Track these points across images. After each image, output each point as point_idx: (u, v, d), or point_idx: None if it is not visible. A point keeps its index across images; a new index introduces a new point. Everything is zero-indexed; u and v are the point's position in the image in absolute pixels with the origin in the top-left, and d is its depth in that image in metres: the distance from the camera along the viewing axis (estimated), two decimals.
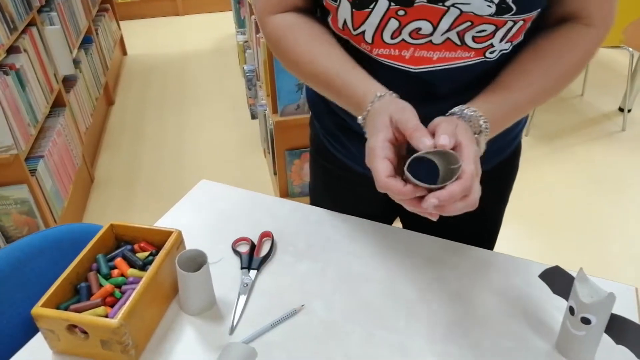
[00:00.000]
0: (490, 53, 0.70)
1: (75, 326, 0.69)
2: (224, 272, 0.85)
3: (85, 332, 0.68)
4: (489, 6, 0.63)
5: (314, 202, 1.04)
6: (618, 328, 0.66)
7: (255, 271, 0.85)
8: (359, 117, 0.69)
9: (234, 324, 0.76)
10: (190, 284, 0.75)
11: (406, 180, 0.60)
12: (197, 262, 0.77)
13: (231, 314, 0.78)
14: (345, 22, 0.72)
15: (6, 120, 1.67)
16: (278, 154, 2.07)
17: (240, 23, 3.30)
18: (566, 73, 0.73)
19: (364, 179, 0.86)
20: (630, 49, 2.70)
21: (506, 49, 0.71)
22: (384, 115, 0.64)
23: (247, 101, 2.90)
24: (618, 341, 0.67)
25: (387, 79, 0.73)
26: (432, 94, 0.75)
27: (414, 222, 1.02)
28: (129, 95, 3.50)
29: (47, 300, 0.69)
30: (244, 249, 0.89)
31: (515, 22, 0.67)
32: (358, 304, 0.79)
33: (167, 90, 3.54)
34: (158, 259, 0.75)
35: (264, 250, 0.89)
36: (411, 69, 0.72)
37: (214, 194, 1.04)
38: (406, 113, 0.63)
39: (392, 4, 0.66)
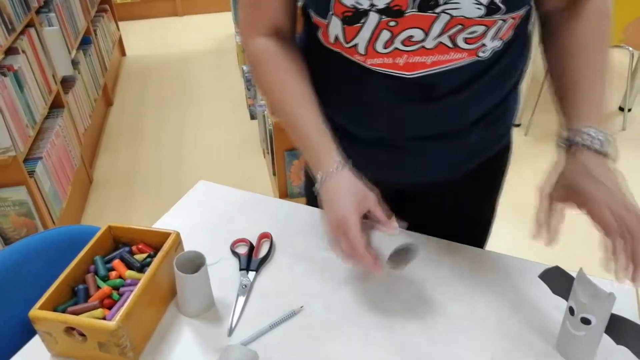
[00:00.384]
0: (483, 52, 0.72)
1: (72, 328, 0.68)
2: (223, 273, 0.85)
3: (82, 335, 0.68)
4: (478, 8, 0.64)
5: (310, 203, 1.04)
6: (618, 328, 0.65)
7: (254, 272, 0.85)
8: (318, 176, 0.74)
9: (233, 325, 0.76)
10: (188, 285, 0.75)
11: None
12: (196, 263, 0.77)
13: (230, 315, 0.77)
14: (337, 37, 0.72)
15: (4, 121, 1.67)
16: (277, 154, 2.07)
17: None
18: (597, 39, 0.74)
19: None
20: (631, 49, 2.69)
21: (497, 46, 0.72)
22: (350, 195, 0.71)
23: (247, 102, 2.89)
24: (618, 341, 0.66)
25: (383, 86, 0.75)
26: (430, 95, 0.76)
27: (411, 221, 1.03)
28: (127, 96, 3.49)
29: (44, 303, 0.69)
30: (242, 250, 0.89)
31: (505, 21, 0.67)
32: (357, 305, 0.79)
33: (166, 91, 3.54)
34: (156, 260, 0.75)
35: (263, 252, 0.89)
36: (406, 75, 0.73)
37: (212, 195, 1.03)
38: (371, 202, 0.72)
39: (383, 16, 0.66)
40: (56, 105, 2.27)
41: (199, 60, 3.99)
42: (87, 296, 0.74)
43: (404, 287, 0.82)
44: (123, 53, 4.14)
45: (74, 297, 0.74)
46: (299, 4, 0.79)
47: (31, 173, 1.83)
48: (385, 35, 0.69)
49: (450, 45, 0.69)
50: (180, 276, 0.73)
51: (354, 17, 0.67)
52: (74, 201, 2.27)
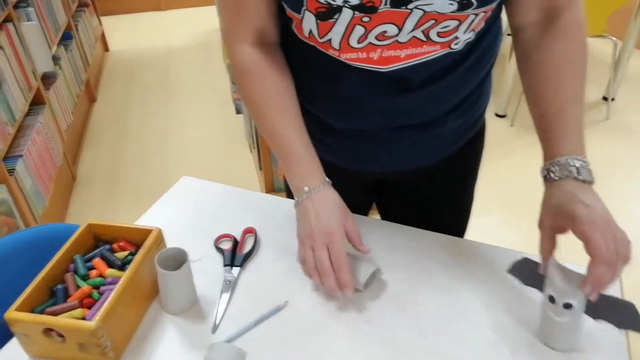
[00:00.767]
0: (456, 44, 0.72)
1: (51, 330, 0.67)
2: (206, 270, 0.83)
3: (61, 336, 0.66)
4: (450, 4, 0.64)
5: (291, 196, 1.03)
6: (594, 305, 0.66)
7: (239, 268, 0.83)
8: (304, 189, 0.76)
9: (217, 322, 0.75)
10: (170, 283, 0.74)
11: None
12: (178, 260, 0.75)
13: (214, 312, 0.76)
14: (310, 31, 0.72)
15: None
16: (263, 149, 2.05)
17: None
18: (579, 55, 0.74)
19: (343, 171, 0.88)
20: (614, 39, 2.71)
21: (470, 38, 0.73)
22: (337, 209, 0.75)
23: (232, 96, 2.86)
24: (596, 317, 0.67)
25: (359, 80, 0.75)
26: (405, 87, 0.76)
27: (392, 212, 1.06)
28: (111, 92, 3.44)
29: (21, 304, 0.67)
30: (226, 245, 0.88)
31: (477, 15, 0.68)
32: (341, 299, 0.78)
33: (150, 86, 3.49)
34: (137, 258, 0.73)
35: (247, 247, 0.88)
36: (381, 69, 0.73)
37: (195, 190, 1.02)
38: (350, 222, 0.76)
39: (356, 12, 0.66)
40: (37, 102, 2.23)
41: (184, 55, 3.95)
42: (67, 296, 0.72)
43: (389, 279, 0.81)
44: (106, 48, 4.08)
45: (52, 297, 0.72)
46: None
47: (11, 171, 1.79)
48: (359, 30, 0.68)
49: (423, 39, 0.69)
50: (162, 273, 0.72)
51: (327, 13, 0.67)
52: (56, 199, 2.23)
